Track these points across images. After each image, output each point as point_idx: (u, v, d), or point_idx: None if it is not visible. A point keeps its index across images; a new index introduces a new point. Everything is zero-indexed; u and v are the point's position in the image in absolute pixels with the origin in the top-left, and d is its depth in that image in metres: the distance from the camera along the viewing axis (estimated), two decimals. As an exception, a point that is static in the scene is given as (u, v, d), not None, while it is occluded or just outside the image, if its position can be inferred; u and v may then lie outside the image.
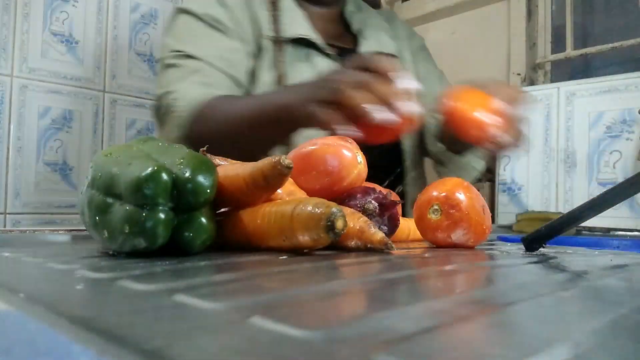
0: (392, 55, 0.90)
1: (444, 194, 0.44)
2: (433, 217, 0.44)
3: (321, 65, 0.80)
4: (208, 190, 0.32)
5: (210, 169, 0.33)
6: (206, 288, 0.21)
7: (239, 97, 0.75)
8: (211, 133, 0.67)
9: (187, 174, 0.31)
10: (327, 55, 0.82)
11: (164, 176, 0.30)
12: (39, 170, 1.00)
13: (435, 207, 0.44)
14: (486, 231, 0.44)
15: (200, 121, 0.69)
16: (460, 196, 0.43)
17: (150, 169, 0.30)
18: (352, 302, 0.20)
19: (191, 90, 0.72)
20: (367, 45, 0.88)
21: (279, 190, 0.38)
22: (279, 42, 0.80)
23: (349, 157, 0.43)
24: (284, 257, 0.33)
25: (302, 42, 0.81)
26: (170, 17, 0.82)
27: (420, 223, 0.46)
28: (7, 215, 0.96)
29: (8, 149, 0.96)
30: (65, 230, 0.55)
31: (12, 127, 0.97)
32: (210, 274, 0.26)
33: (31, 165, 0.99)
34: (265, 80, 0.78)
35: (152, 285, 0.21)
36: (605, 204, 0.37)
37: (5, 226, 0.96)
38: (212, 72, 0.75)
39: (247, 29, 0.80)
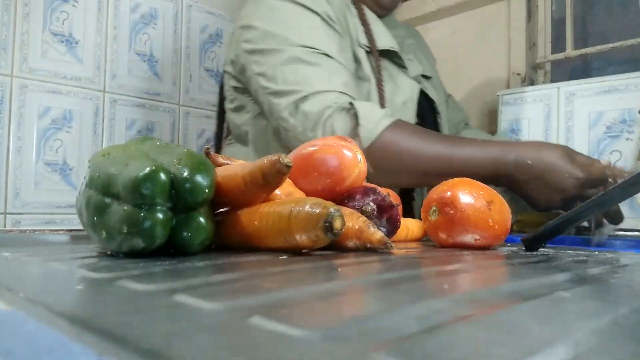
0: (428, 77, 0.91)
1: (440, 193, 0.44)
2: (432, 218, 0.44)
3: (401, 81, 0.79)
4: (206, 190, 0.32)
5: (209, 168, 0.33)
6: (206, 288, 0.21)
7: (448, 139, 0.69)
8: (400, 172, 0.63)
9: (185, 174, 0.31)
10: (403, 68, 0.81)
11: (162, 176, 0.30)
12: (39, 170, 1.00)
13: (434, 207, 0.44)
14: (495, 228, 0.42)
15: (392, 154, 0.63)
16: (457, 194, 0.43)
17: (148, 168, 0.30)
18: (352, 302, 0.20)
19: (373, 108, 0.67)
20: (414, 68, 0.88)
21: (277, 192, 0.38)
22: (375, 53, 0.77)
23: (349, 157, 0.43)
24: (284, 257, 0.33)
25: (385, 55, 0.79)
26: (264, 4, 0.74)
27: (425, 225, 0.46)
28: (7, 215, 0.96)
29: (8, 149, 0.96)
30: (65, 230, 0.55)
31: (12, 127, 0.97)
32: (209, 274, 0.26)
33: (31, 165, 0.99)
34: (362, 93, 0.75)
35: (151, 285, 0.21)
36: (604, 204, 0.37)
37: (5, 226, 0.96)
38: (350, 79, 0.71)
39: (346, 35, 0.76)
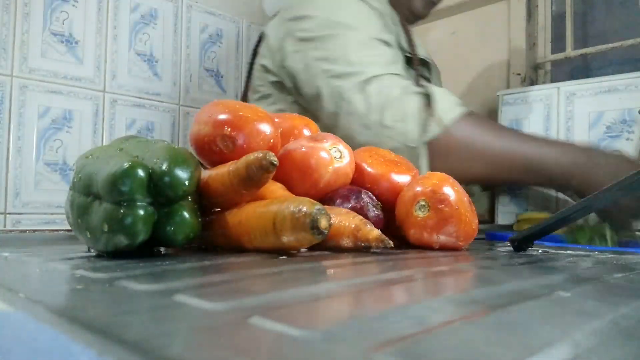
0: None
1: (430, 188, 0.40)
2: (420, 214, 0.40)
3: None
4: (186, 182, 0.31)
5: (188, 161, 0.32)
6: (206, 288, 0.21)
7: (519, 135, 0.71)
8: (468, 162, 0.64)
9: (164, 167, 0.31)
10: (428, 81, 0.84)
11: (140, 171, 0.30)
12: (39, 170, 1.00)
13: (422, 202, 0.40)
14: (475, 230, 0.41)
15: (463, 141, 0.65)
16: (448, 190, 0.40)
17: (125, 164, 0.30)
18: (352, 302, 0.20)
19: (448, 93, 0.70)
20: (435, 72, 0.91)
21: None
22: (416, 60, 0.80)
23: (323, 158, 0.41)
24: (283, 257, 0.33)
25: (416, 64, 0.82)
26: (318, 29, 0.76)
27: (406, 221, 0.41)
28: (7, 215, 0.96)
29: (8, 149, 0.96)
30: (65, 230, 0.55)
31: (12, 127, 0.97)
32: (209, 274, 0.26)
33: (31, 165, 0.99)
34: None
35: (151, 285, 0.21)
36: (593, 205, 0.37)
37: (5, 226, 0.96)
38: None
39: (393, 35, 0.79)
